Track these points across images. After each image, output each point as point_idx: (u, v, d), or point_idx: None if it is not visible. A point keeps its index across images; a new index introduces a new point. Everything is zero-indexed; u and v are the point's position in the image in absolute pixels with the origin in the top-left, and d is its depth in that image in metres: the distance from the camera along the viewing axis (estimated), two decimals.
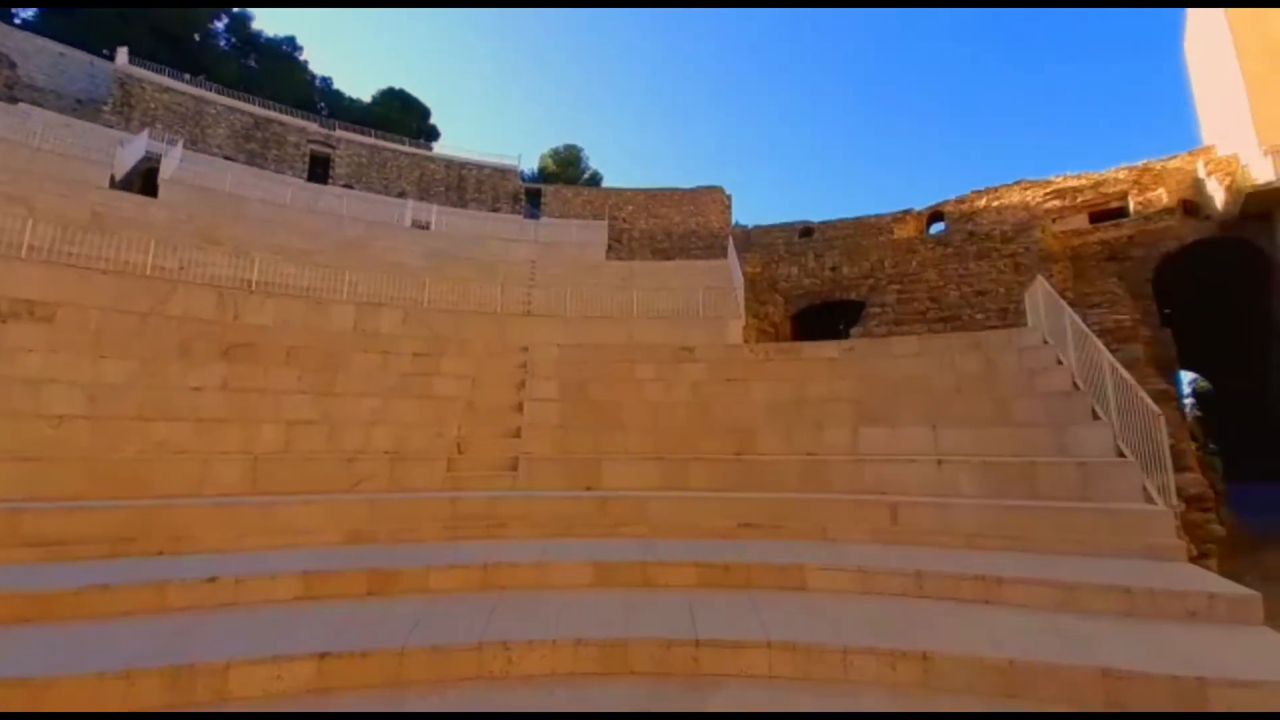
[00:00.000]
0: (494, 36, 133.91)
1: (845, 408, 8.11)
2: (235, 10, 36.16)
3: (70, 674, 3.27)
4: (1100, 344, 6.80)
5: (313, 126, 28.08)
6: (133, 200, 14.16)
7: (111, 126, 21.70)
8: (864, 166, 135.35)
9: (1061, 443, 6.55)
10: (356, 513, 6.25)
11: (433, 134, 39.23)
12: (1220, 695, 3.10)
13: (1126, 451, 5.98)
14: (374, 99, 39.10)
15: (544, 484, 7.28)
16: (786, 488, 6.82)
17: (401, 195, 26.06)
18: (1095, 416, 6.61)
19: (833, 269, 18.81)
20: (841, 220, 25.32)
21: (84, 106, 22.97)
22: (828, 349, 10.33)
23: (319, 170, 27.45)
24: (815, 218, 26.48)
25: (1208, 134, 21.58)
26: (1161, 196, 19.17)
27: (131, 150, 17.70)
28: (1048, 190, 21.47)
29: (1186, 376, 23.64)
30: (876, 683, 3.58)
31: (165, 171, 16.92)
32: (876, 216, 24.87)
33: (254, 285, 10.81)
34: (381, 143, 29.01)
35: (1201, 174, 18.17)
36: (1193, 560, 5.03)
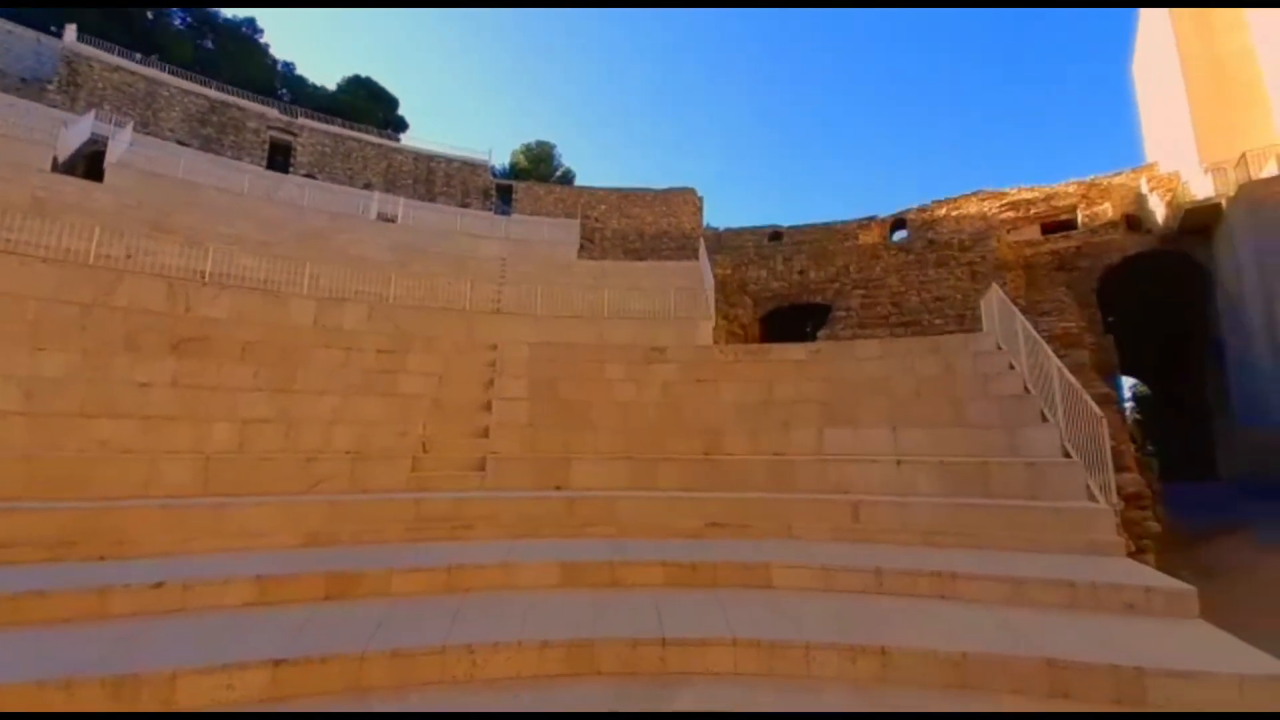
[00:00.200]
0: (465, 28, 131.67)
1: (811, 409, 8.27)
2: None
3: (6, 682, 3.09)
4: (1049, 350, 7.14)
5: (273, 112, 27.07)
6: (77, 185, 13.42)
7: (56, 107, 20.48)
8: (831, 173, 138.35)
9: (1013, 444, 6.84)
10: (315, 514, 6.06)
11: (400, 125, 38.36)
12: (1158, 684, 3.27)
13: (1072, 452, 6.29)
14: (339, 87, 37.96)
15: (512, 484, 7.20)
16: (754, 487, 6.92)
17: (367, 187, 25.39)
18: (1044, 419, 6.92)
19: (800, 273, 19.20)
20: (809, 225, 25.85)
21: (28, 85, 21.63)
22: (795, 351, 10.52)
23: (279, 158, 26.48)
24: (784, 222, 26.96)
25: (1151, 152, 22.88)
26: (1107, 210, 20.22)
27: (77, 132, 16.75)
28: (1003, 202, 22.39)
29: (1127, 381, 24.97)
30: (838, 678, 3.67)
31: (113, 155, 16.09)
32: (843, 223, 25.49)
33: (208, 276, 10.36)
34: (347, 132, 28.18)
35: (1144, 190, 19.24)
36: (1131, 555, 5.32)
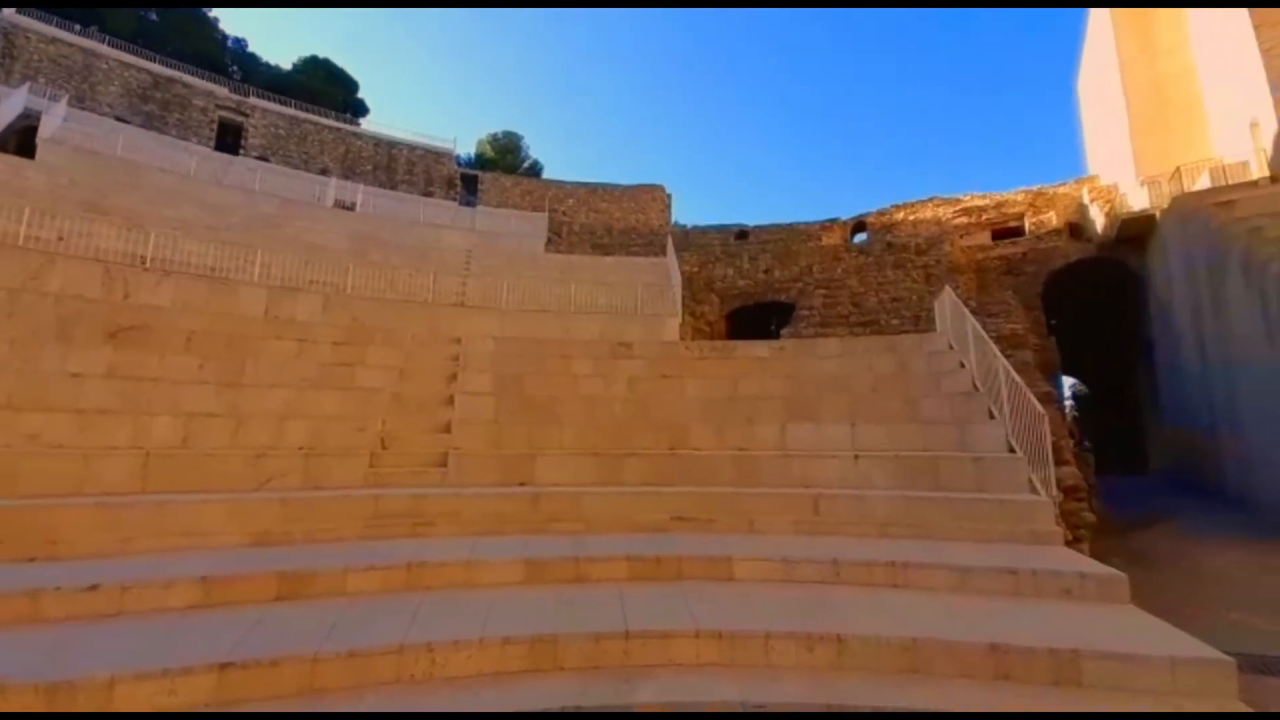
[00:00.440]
0: (429, 13, 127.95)
1: (775, 405, 8.44)
2: None
3: None
4: (997, 350, 7.48)
5: (222, 91, 25.74)
6: (6, 161, 12.48)
7: None
8: (796, 173, 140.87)
9: (962, 439, 7.15)
10: (266, 512, 5.82)
11: (360, 109, 36.98)
12: (1093, 666, 3.49)
13: (1016, 447, 6.61)
14: (295, 66, 36.35)
15: (475, 480, 7.09)
16: (719, 482, 7.01)
17: (324, 172, 24.44)
18: (991, 415, 7.25)
19: (765, 271, 19.51)
20: (775, 225, 26.28)
21: None
22: (759, 348, 10.69)
23: (229, 140, 25.21)
24: (750, 221, 27.34)
25: (1093, 164, 24.16)
26: (1052, 219, 21.28)
27: (7, 106, 15.61)
28: (957, 208, 23.29)
29: (1067, 381, 26.38)
30: (795, 665, 3.77)
31: (45, 130, 15.03)
32: (806, 224, 26.02)
33: (148, 262, 9.78)
34: (303, 114, 27.01)
35: (1086, 200, 20.31)
36: (1069, 544, 5.64)
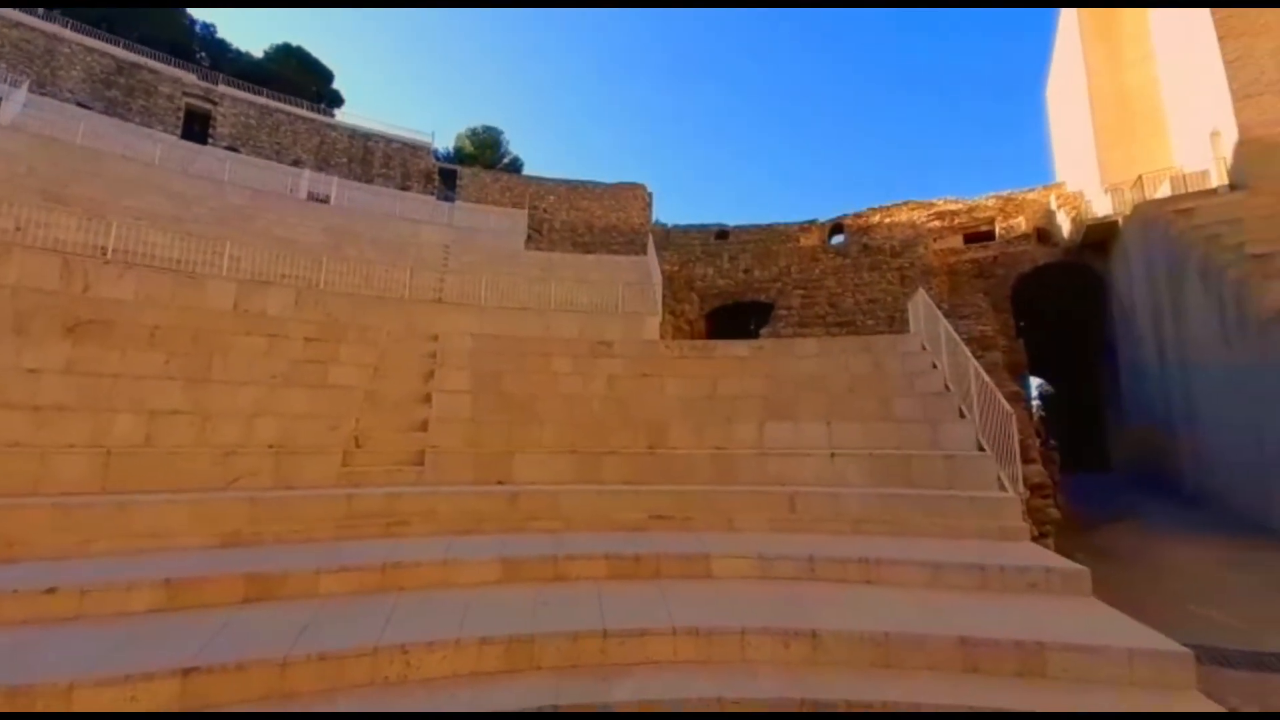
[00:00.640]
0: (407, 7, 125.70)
1: (754, 404, 8.51)
2: None
3: None
4: (968, 351, 7.67)
5: (190, 78, 24.93)
6: None
7: None
8: (774, 175, 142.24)
9: (934, 437, 7.31)
10: (234, 512, 5.67)
11: (335, 100, 36.17)
12: (1057, 657, 3.60)
13: (985, 445, 6.79)
14: (267, 54, 35.34)
15: (452, 479, 7.00)
16: (697, 480, 7.04)
17: (296, 164, 23.87)
18: (961, 415, 7.43)
19: (745, 271, 19.68)
20: (754, 226, 26.50)
21: None
22: (739, 348, 10.77)
23: (196, 128, 24.45)
24: (730, 221, 27.53)
25: (1060, 170, 24.88)
26: (1021, 224, 21.87)
27: None
28: (931, 212, 23.78)
29: (1034, 381, 27.18)
30: (771, 661, 3.82)
31: (4, 117, 14.42)
32: (786, 225, 26.29)
33: (110, 253, 9.44)
34: (275, 103, 26.33)
35: (1053, 206, 20.93)
36: (1035, 540, 5.82)
